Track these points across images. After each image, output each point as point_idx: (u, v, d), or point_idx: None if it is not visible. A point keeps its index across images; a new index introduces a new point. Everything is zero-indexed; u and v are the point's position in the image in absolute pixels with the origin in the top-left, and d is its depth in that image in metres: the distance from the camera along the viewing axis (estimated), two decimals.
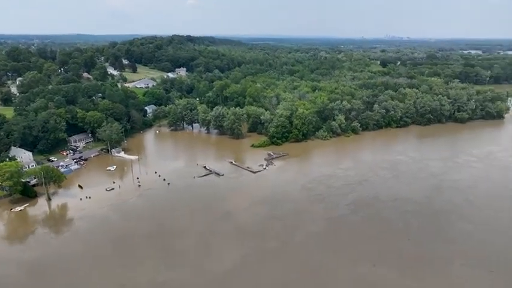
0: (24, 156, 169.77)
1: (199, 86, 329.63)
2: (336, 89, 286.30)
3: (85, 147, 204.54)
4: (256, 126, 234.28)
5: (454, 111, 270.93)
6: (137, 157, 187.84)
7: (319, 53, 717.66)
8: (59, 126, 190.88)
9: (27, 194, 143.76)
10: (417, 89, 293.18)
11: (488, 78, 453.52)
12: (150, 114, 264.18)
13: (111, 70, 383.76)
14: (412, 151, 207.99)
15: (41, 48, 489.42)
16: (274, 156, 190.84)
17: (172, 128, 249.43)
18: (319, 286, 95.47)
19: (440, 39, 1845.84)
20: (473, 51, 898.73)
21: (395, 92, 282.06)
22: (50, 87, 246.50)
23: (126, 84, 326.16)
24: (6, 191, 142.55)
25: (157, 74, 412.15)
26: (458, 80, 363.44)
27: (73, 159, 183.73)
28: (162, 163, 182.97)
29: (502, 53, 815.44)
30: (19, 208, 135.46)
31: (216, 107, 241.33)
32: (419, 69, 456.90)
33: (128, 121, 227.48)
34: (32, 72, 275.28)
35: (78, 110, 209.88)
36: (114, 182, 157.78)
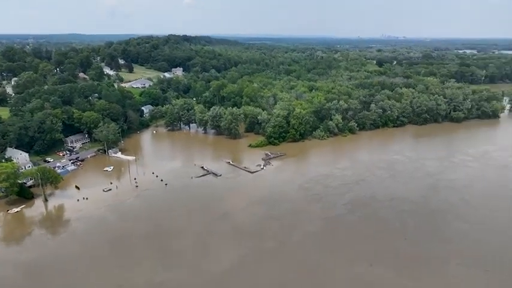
0: (20, 157, 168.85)
1: (196, 86, 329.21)
2: (332, 88, 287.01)
3: (82, 148, 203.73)
4: (254, 126, 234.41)
5: (450, 110, 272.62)
6: (134, 157, 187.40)
7: (316, 52, 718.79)
8: (55, 126, 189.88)
9: (24, 195, 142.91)
10: (413, 88, 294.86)
11: (483, 78, 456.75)
12: (147, 115, 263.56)
13: (107, 70, 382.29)
14: (409, 151, 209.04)
15: (36, 48, 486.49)
16: (272, 156, 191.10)
17: (169, 128, 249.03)
18: (317, 286, 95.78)
19: (436, 38, 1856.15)
20: (468, 51, 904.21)
21: (392, 91, 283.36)
22: (45, 87, 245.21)
23: (123, 84, 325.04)
24: (3, 192, 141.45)
25: (153, 74, 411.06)
26: (454, 80, 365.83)
27: (70, 160, 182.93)
28: (159, 163, 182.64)
29: (497, 53, 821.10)
30: (15, 209, 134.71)
31: (213, 107, 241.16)
32: (415, 68, 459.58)
33: (125, 121, 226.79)
34: (27, 72, 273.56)
35: (74, 111, 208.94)
36: (111, 183, 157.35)
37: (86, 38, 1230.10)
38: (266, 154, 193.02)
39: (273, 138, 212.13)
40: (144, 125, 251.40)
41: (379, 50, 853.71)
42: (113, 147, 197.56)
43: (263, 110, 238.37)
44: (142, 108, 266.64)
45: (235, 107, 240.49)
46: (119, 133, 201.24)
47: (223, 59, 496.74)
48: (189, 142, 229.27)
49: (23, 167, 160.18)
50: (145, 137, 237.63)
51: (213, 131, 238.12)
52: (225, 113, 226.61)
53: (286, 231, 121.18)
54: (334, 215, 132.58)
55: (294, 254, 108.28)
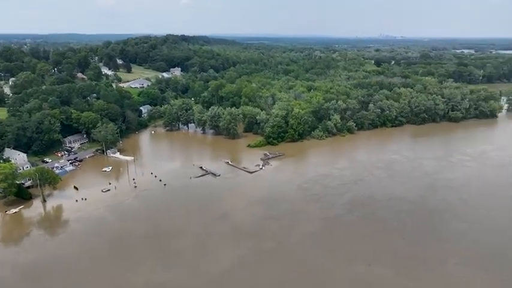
0: (18, 158, 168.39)
1: (194, 86, 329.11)
2: (331, 88, 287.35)
3: (80, 148, 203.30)
4: (252, 126, 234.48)
5: (448, 110, 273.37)
6: (133, 158, 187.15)
7: (314, 52, 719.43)
8: (53, 127, 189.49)
9: (22, 196, 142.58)
10: (412, 88, 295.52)
11: (481, 78, 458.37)
12: (145, 115, 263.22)
13: (105, 70, 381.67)
14: (407, 150, 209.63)
15: (34, 48, 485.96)
16: (271, 156, 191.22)
17: (167, 128, 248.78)
18: (316, 286, 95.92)
19: (434, 38, 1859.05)
20: (466, 51, 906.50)
21: (390, 91, 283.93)
22: (43, 87, 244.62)
23: (121, 85, 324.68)
24: (1, 193, 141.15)
25: (152, 74, 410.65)
26: (452, 80, 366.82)
27: (68, 160, 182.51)
28: (158, 164, 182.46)
29: (494, 52, 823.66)
30: (14, 210, 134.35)
31: (212, 107, 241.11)
32: (413, 68, 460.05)
33: (123, 121, 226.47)
34: (25, 72, 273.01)
35: (72, 111, 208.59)
36: (109, 183, 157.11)
37: (84, 37, 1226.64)
38: (265, 154, 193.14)
39: (271, 138, 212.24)
40: (142, 125, 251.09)
41: (377, 50, 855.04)
42: (112, 148, 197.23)
43: (262, 110, 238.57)
44: (141, 108, 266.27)
45: (234, 107, 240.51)
46: (117, 133, 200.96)
47: (222, 59, 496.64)
48: (188, 142, 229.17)
49: (21, 168, 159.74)
50: (144, 137, 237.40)
51: (211, 131, 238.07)
52: (223, 113, 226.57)
53: (285, 231, 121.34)
54: (333, 215, 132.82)
55: (293, 254, 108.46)
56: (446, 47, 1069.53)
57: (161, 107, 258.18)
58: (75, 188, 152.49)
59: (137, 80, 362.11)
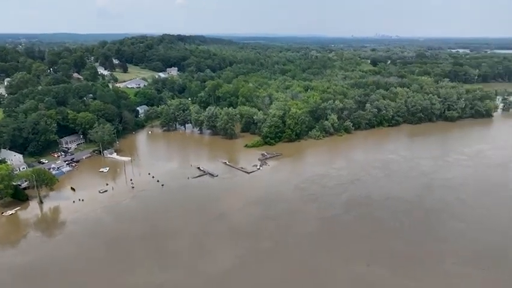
0: (14, 159, 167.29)
1: (191, 86, 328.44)
2: (328, 88, 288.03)
3: (76, 149, 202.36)
4: (250, 126, 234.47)
5: (444, 110, 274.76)
6: (130, 158, 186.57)
7: (310, 52, 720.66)
8: (49, 127, 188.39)
9: (18, 197, 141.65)
10: (408, 88, 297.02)
11: (476, 77, 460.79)
12: (142, 115, 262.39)
13: (101, 70, 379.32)
14: (404, 150, 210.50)
15: (29, 48, 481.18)
16: (268, 156, 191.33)
17: (164, 128, 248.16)
18: (314, 286, 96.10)
19: (429, 38, 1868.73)
20: (461, 50, 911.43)
21: (387, 91, 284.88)
22: (39, 88, 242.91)
23: (117, 85, 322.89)
24: None
25: (148, 74, 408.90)
26: (447, 79, 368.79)
27: (65, 161, 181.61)
28: (155, 164, 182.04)
29: (489, 52, 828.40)
30: (10, 212, 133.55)
31: (209, 107, 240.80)
32: (409, 68, 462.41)
33: (120, 122, 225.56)
34: (20, 72, 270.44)
35: (69, 111, 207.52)
36: (107, 184, 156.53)
37: (79, 37, 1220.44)
38: (262, 154, 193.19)
39: (269, 138, 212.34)
40: (139, 126, 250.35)
41: (373, 50, 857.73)
42: (108, 148, 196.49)
43: (259, 110, 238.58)
44: (138, 108, 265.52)
45: (231, 107, 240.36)
46: (114, 134, 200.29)
47: (218, 59, 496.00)
48: (185, 142, 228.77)
49: (17, 169, 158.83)
50: (141, 138, 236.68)
51: (208, 131, 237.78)
52: (220, 113, 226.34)
53: (283, 231, 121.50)
54: (330, 215, 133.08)
55: (290, 254, 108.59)
56: (442, 46, 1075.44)
57: (158, 107, 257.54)
58: (72, 189, 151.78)
59: (134, 80, 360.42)
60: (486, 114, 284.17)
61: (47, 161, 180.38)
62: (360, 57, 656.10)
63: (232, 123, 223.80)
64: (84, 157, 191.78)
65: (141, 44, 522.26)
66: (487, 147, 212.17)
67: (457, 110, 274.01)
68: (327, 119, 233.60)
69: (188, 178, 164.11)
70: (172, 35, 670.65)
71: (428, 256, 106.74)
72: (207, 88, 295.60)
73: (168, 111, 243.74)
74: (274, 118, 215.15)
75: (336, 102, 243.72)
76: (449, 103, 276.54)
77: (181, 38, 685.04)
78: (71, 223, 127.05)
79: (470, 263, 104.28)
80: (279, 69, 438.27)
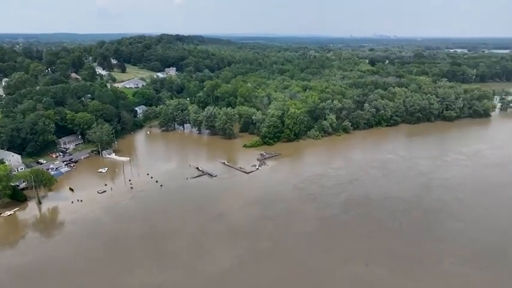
0: (12, 159, 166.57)
1: (189, 86, 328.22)
2: (326, 88, 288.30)
3: (75, 149, 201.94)
4: (248, 126, 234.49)
5: (443, 109, 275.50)
6: (128, 159, 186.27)
7: (309, 51, 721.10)
8: (47, 128, 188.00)
9: (17, 198, 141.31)
10: (406, 88, 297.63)
11: (474, 77, 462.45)
12: (141, 115, 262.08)
13: (99, 70, 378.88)
14: (402, 150, 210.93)
15: (27, 47, 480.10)
16: (267, 156, 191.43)
17: (163, 128, 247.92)
18: (312, 286, 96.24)
19: (427, 37, 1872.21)
20: (459, 50, 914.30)
21: (385, 91, 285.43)
22: (37, 88, 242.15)
23: (116, 85, 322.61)
24: None
25: (146, 74, 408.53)
26: (445, 79, 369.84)
27: (63, 162, 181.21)
28: (154, 164, 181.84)
29: (487, 52, 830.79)
30: (8, 213, 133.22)
31: (208, 107, 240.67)
32: (407, 68, 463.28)
33: (118, 122, 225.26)
34: (18, 72, 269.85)
35: (67, 112, 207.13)
36: (105, 185, 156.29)
37: (77, 37, 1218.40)
38: (261, 154, 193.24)
39: (267, 138, 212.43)
40: (138, 126, 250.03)
41: (371, 49, 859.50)
42: (107, 149, 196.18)
43: (257, 110, 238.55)
44: (136, 108, 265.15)
45: (230, 107, 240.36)
46: (112, 134, 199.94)
47: (217, 59, 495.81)
48: (184, 142, 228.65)
49: (16, 169, 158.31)
50: (140, 138, 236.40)
51: (207, 131, 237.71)
52: (219, 113, 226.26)
53: (281, 231, 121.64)
54: (329, 214, 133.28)
55: (289, 254, 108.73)
56: (440, 46, 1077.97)
57: (156, 107, 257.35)
58: (71, 189, 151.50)
59: (132, 80, 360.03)
60: (484, 114, 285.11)
61: (45, 162, 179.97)
62: (358, 57, 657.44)
63: (230, 123, 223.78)
64: (82, 157, 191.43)
65: (139, 44, 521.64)
66: (485, 147, 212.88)
67: (455, 109, 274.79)
68: (325, 119, 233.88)
69: (187, 178, 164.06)
70: (171, 35, 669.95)
71: (426, 256, 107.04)
72: (205, 88, 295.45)
73: (167, 111, 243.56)
74: (273, 118, 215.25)
75: (334, 102, 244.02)
76: (447, 103, 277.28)
77: (179, 38, 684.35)
78: (70, 224, 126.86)
79: (469, 262, 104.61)
80: (277, 69, 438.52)
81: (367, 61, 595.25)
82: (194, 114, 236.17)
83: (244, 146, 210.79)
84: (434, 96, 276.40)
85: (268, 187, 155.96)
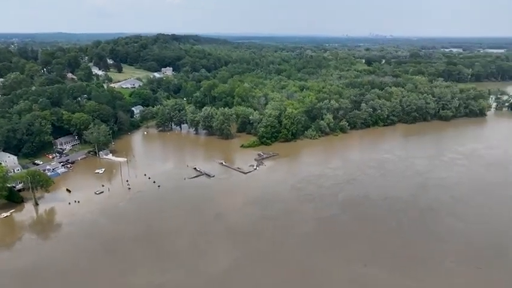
0: (8, 161, 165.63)
1: (186, 86, 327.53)
2: (323, 88, 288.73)
3: (71, 150, 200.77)
4: (245, 126, 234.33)
5: (439, 109, 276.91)
6: (126, 159, 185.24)
7: (305, 51, 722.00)
8: (44, 128, 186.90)
9: (13, 199, 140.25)
10: (403, 87, 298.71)
11: (469, 76, 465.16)
12: (138, 115, 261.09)
13: (95, 70, 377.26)
14: (399, 149, 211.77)
15: (22, 47, 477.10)
16: (265, 156, 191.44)
17: (160, 129, 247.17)
18: (311, 286, 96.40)
19: (423, 37, 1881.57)
20: (454, 50, 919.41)
21: (382, 90, 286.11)
22: (33, 88, 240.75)
23: (112, 85, 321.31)
24: None
25: (143, 74, 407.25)
26: (441, 79, 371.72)
27: (60, 163, 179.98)
28: (151, 165, 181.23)
29: (482, 51, 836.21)
30: (5, 214, 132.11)
31: (205, 107, 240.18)
32: (403, 67, 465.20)
33: (115, 122, 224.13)
34: (14, 73, 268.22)
35: (63, 112, 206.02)
36: (103, 185, 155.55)
37: (72, 37, 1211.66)
38: (259, 154, 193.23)
39: (265, 138, 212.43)
40: (134, 126, 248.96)
41: (367, 49, 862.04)
42: (104, 149, 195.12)
43: (255, 110, 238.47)
44: (133, 109, 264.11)
45: (227, 107, 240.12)
46: (109, 134, 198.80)
47: (213, 59, 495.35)
48: (181, 143, 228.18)
49: (12, 171, 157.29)
50: (137, 138, 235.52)
51: (204, 131, 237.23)
52: (216, 114, 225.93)
53: (280, 231, 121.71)
54: (327, 215, 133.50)
55: (287, 255, 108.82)
56: (436, 46, 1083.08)
57: (153, 107, 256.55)
58: (68, 190, 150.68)
59: (128, 80, 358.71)
60: (480, 114, 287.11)
61: (41, 163, 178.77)
62: (354, 56, 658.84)
63: (228, 123, 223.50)
64: (79, 158, 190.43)
65: (135, 44, 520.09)
66: (481, 146, 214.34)
67: (451, 109, 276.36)
68: (322, 119, 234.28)
69: (185, 179, 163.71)
70: (167, 35, 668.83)
71: (424, 255, 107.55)
72: (202, 88, 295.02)
73: (164, 112, 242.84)
74: (270, 118, 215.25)
75: (331, 102, 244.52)
76: (443, 102, 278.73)
77: (175, 38, 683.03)
78: (67, 225, 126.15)
79: (467, 261, 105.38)
80: (274, 69, 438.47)
81: (364, 61, 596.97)
82: (191, 115, 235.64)
83: (242, 146, 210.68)
84: (430, 95, 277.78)
85: (266, 187, 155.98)
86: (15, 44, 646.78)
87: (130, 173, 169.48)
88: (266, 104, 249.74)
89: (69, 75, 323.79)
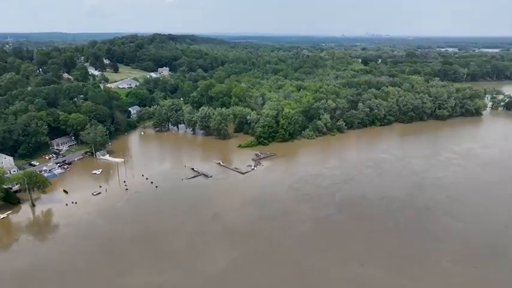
0: (4, 162, 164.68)
1: (183, 86, 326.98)
2: (320, 88, 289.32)
3: (68, 151, 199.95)
4: (243, 126, 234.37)
5: (435, 108, 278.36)
6: (123, 160, 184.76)
7: (302, 51, 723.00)
8: (40, 129, 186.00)
9: (10, 200, 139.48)
10: (399, 87, 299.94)
11: (465, 76, 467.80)
12: (134, 116, 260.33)
13: (92, 70, 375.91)
14: (396, 149, 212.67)
15: (17, 47, 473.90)
16: (262, 156, 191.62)
17: (157, 129, 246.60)
18: (309, 285, 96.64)
19: (419, 37, 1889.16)
20: (450, 49, 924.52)
21: (378, 90, 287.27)
22: (29, 88, 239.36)
23: (108, 85, 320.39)
24: None
25: (139, 74, 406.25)
26: (438, 78, 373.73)
27: (56, 163, 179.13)
28: (148, 165, 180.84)
29: (477, 51, 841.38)
30: (1, 216, 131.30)
31: (202, 107, 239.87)
32: (400, 67, 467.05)
33: (112, 123, 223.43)
34: (9, 73, 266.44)
35: (60, 113, 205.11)
36: (100, 186, 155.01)
37: (68, 36, 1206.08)
38: (256, 154, 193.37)
39: (262, 138, 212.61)
40: (131, 126, 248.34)
41: (363, 49, 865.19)
42: (101, 150, 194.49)
43: (252, 110, 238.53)
44: (130, 109, 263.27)
45: (224, 107, 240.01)
46: (106, 135, 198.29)
47: (210, 59, 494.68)
48: (178, 143, 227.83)
49: (8, 172, 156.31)
50: (134, 139, 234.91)
51: (201, 131, 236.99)
52: (213, 114, 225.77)
53: (278, 231, 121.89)
54: (324, 215, 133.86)
55: (285, 255, 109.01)
56: (431, 45, 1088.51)
57: (150, 107, 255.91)
58: (65, 191, 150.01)
59: (125, 80, 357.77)
60: (476, 113, 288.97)
61: (38, 163, 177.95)
62: (350, 56, 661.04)
63: (225, 123, 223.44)
64: (76, 159, 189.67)
65: (131, 44, 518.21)
66: (477, 145, 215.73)
67: (447, 108, 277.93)
68: (319, 119, 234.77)
69: (182, 179, 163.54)
70: (163, 35, 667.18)
71: (421, 254, 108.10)
72: (199, 88, 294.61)
73: (161, 112, 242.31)
74: (268, 118, 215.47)
75: (328, 101, 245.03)
76: (439, 102, 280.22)
77: (172, 38, 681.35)
78: (64, 226, 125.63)
79: (463, 261, 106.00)
80: (271, 69, 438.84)
81: (360, 60, 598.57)
82: (188, 115, 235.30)
83: (239, 146, 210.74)
84: (427, 95, 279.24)
85: (264, 187, 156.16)
86: (10, 44, 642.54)
87: (127, 174, 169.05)
88: (263, 104, 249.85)
89: (65, 75, 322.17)
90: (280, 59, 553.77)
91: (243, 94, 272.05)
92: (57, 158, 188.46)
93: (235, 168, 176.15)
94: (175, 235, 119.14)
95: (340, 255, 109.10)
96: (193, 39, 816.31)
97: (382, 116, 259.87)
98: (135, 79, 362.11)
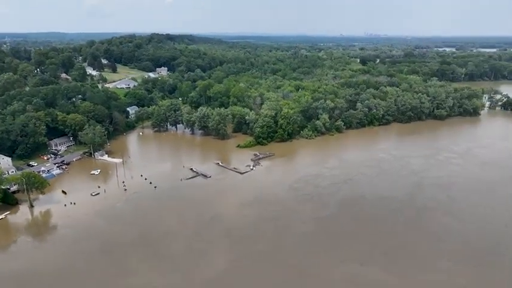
0: (2, 162, 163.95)
1: (181, 86, 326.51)
2: (319, 88, 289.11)
3: (66, 151, 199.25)
4: (241, 126, 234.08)
5: (434, 108, 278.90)
6: (121, 160, 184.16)
7: (300, 51, 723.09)
8: (38, 129, 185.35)
9: (8, 201, 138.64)
10: (397, 87, 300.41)
11: (463, 76, 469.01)
12: (133, 116, 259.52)
13: (90, 70, 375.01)
14: (394, 149, 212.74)
15: (14, 47, 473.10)
16: (261, 156, 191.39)
17: (156, 129, 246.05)
18: (308, 285, 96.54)
19: (417, 36, 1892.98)
20: (447, 49, 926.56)
21: (377, 90, 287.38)
22: (27, 89, 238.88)
23: (107, 85, 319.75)
24: None
25: (138, 74, 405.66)
26: (436, 78, 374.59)
27: (54, 164, 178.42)
28: (147, 166, 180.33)
29: (475, 51, 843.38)
30: None
31: (201, 107, 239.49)
32: (398, 67, 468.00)
33: (111, 123, 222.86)
34: (7, 73, 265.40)
35: (58, 113, 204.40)
36: (99, 187, 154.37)
37: (66, 36, 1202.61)
38: (255, 154, 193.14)
39: (261, 138, 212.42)
40: (130, 127, 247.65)
41: (362, 49, 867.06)
42: (99, 150, 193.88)
43: (250, 110, 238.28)
44: (128, 109, 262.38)
45: (223, 107, 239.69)
46: (104, 135, 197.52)
47: (208, 58, 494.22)
48: (177, 143, 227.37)
49: (6, 172, 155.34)
50: (132, 139, 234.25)
51: (200, 131, 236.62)
52: (212, 114, 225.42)
53: (278, 232, 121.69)
54: (325, 215, 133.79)
55: (285, 255, 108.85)
56: (429, 45, 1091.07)
57: (149, 107, 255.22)
58: (63, 192, 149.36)
59: (123, 80, 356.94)
60: (473, 113, 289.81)
61: (36, 164, 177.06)
62: (349, 56, 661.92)
63: (224, 123, 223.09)
64: (74, 159, 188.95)
65: (130, 44, 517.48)
66: (475, 145, 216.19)
67: (445, 108, 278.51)
68: (318, 119, 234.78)
69: (181, 179, 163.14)
70: (162, 35, 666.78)
71: (421, 254, 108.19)
72: (198, 88, 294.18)
73: (159, 112, 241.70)
74: (266, 118, 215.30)
75: (327, 101, 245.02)
76: (438, 102, 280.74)
77: (170, 38, 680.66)
78: (63, 227, 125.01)
79: (463, 260, 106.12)
80: (269, 69, 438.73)
81: (358, 60, 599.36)
82: (187, 115, 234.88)
83: (238, 146, 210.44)
84: (425, 95, 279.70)
85: (263, 188, 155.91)
86: (8, 44, 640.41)
87: (126, 174, 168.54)
88: (262, 104, 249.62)
89: (63, 75, 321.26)
90: (279, 59, 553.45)
91: (242, 94, 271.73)
92: (55, 158, 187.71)
93: (234, 168, 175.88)
94: (174, 236, 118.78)
95: (340, 255, 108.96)
96: (191, 39, 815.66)
97: (381, 115, 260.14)
98: (134, 79, 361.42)
